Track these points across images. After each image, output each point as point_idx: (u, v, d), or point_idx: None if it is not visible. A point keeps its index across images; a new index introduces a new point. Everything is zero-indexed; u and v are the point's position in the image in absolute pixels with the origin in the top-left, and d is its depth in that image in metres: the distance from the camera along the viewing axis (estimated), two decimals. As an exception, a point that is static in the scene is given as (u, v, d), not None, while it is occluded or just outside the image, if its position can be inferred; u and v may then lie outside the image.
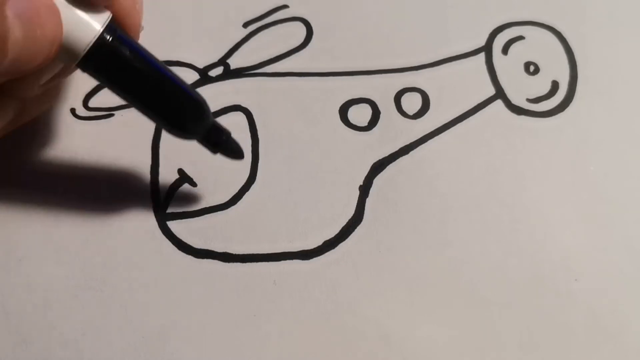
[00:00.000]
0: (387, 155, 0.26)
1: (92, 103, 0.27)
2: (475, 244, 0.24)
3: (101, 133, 0.26)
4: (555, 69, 0.28)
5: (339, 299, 0.24)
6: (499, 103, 0.27)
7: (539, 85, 0.27)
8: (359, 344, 0.23)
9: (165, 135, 0.26)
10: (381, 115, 0.27)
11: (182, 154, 0.26)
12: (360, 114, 0.27)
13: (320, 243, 0.25)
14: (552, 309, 0.24)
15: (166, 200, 0.25)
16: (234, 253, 0.24)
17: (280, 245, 0.25)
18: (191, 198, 0.25)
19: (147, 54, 0.21)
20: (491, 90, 0.27)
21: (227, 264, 0.24)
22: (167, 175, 0.26)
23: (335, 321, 0.23)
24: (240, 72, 0.28)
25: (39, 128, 0.26)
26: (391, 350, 0.23)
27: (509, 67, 0.28)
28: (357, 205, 0.25)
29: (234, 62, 0.28)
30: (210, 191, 0.25)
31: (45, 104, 0.25)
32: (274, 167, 0.26)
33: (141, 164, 0.26)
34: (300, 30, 0.28)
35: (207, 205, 0.25)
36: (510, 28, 0.28)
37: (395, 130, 0.26)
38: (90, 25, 0.19)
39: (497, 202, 0.25)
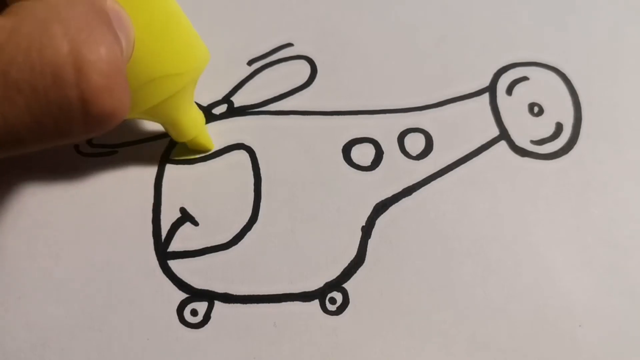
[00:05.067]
0: (390, 196, 0.26)
1: (96, 140, 0.27)
2: (477, 288, 0.24)
3: (104, 170, 0.26)
4: (560, 110, 0.28)
5: (340, 342, 0.23)
6: (502, 144, 0.27)
7: (543, 126, 0.27)
8: (359, 390, 0.23)
9: (168, 173, 0.26)
10: (384, 155, 0.27)
11: (184, 193, 0.26)
12: (363, 154, 0.27)
13: (321, 285, 0.24)
14: (555, 355, 0.23)
15: (167, 238, 0.25)
16: (234, 294, 0.24)
17: (281, 286, 0.24)
18: (192, 237, 0.25)
19: None
20: (495, 131, 0.27)
21: (227, 304, 0.24)
22: (169, 214, 0.26)
23: (335, 366, 0.23)
24: (244, 110, 0.28)
25: (41, 164, 0.26)
26: (392, 397, 0.23)
27: (513, 108, 0.28)
28: (359, 247, 0.25)
29: (238, 100, 0.28)
30: (212, 230, 0.25)
31: None
32: (276, 207, 0.26)
33: (143, 202, 0.26)
34: (304, 69, 0.29)
35: (209, 245, 0.25)
36: (515, 68, 0.28)
37: (398, 171, 0.26)
38: None
39: (500, 246, 0.25)
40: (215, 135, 0.27)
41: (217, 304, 0.24)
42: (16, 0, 0.16)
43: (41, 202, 0.26)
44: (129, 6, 0.18)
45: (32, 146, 0.16)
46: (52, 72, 0.14)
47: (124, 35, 0.17)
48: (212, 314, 0.24)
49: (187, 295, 0.24)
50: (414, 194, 0.26)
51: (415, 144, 0.27)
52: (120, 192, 0.26)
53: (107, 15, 0.16)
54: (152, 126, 0.27)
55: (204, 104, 0.28)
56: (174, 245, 0.25)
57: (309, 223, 0.25)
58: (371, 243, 0.25)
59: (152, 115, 0.24)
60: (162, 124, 0.26)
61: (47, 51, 0.14)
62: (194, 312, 0.24)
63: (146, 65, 0.21)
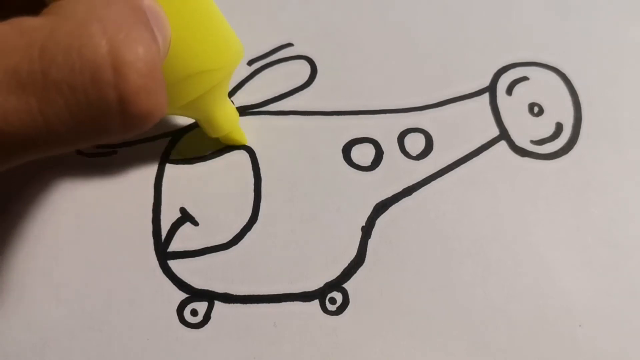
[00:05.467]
0: (390, 196, 0.26)
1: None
2: (477, 288, 0.24)
3: (104, 170, 0.26)
4: (560, 110, 0.28)
5: (340, 342, 0.23)
6: (502, 144, 0.27)
7: (543, 126, 0.27)
8: (359, 390, 0.23)
9: (168, 173, 0.26)
10: (384, 156, 0.27)
11: (184, 193, 0.26)
12: (363, 154, 0.27)
13: (321, 284, 0.24)
14: (555, 355, 0.23)
15: (167, 238, 0.25)
16: (234, 294, 0.24)
17: (281, 286, 0.24)
18: (192, 237, 0.25)
19: None
20: (495, 131, 0.27)
21: (227, 304, 0.24)
22: (169, 214, 0.26)
23: (335, 366, 0.23)
24: (244, 110, 0.28)
25: (41, 164, 0.26)
26: (392, 397, 0.23)
27: (513, 108, 0.28)
28: (359, 247, 0.25)
29: (238, 100, 0.28)
30: (212, 230, 0.25)
31: None
32: (276, 207, 0.26)
33: (143, 202, 0.26)
34: (304, 69, 0.29)
35: (209, 245, 0.25)
36: (515, 68, 0.28)
37: (398, 171, 0.26)
38: None
39: (500, 246, 0.25)
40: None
41: (217, 304, 0.24)
42: (54, 0, 0.16)
43: (41, 202, 0.26)
44: (166, 3, 0.18)
45: (71, 146, 0.16)
46: (91, 72, 0.14)
47: (161, 33, 0.17)
48: (212, 314, 0.24)
49: (187, 295, 0.24)
50: (414, 194, 0.26)
51: (415, 144, 0.27)
52: (120, 192, 0.26)
53: (144, 13, 0.16)
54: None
55: (204, 104, 0.28)
56: (174, 245, 0.25)
57: (309, 223, 0.25)
58: (371, 243, 0.25)
59: (187, 111, 0.24)
60: (197, 120, 0.26)
61: (86, 51, 0.14)
62: (194, 312, 0.24)
63: (182, 62, 0.21)
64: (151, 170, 0.26)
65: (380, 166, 0.26)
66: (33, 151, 0.15)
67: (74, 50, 0.14)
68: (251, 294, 0.24)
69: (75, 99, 0.15)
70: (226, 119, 0.25)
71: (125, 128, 0.16)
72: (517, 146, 0.27)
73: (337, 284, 0.24)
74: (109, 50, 0.15)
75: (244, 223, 0.25)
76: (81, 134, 0.15)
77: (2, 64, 0.14)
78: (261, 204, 0.26)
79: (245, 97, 0.28)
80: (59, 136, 0.15)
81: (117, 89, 0.15)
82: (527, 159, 0.27)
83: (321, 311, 0.24)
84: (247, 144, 0.27)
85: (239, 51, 0.24)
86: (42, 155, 0.16)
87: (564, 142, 0.27)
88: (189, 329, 0.24)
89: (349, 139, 0.27)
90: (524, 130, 0.27)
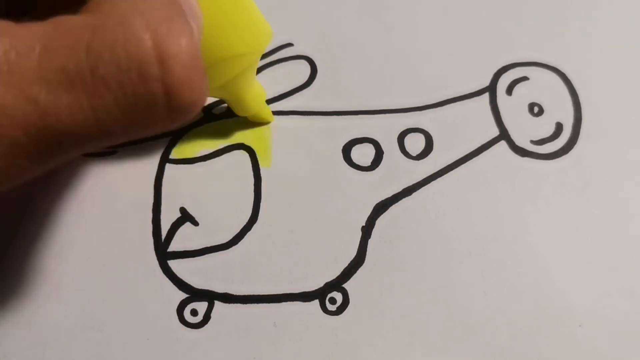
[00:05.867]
0: (390, 196, 0.26)
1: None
2: (477, 288, 0.24)
3: (104, 170, 0.26)
4: (560, 110, 0.28)
5: (340, 342, 0.23)
6: (502, 144, 0.27)
7: (543, 126, 0.27)
8: (359, 390, 0.23)
9: (168, 173, 0.26)
10: (384, 156, 0.27)
11: (184, 193, 0.26)
12: (363, 154, 0.27)
13: (321, 284, 0.24)
14: (555, 355, 0.23)
15: (167, 239, 0.25)
16: (234, 294, 0.24)
17: (281, 286, 0.24)
18: (192, 237, 0.25)
19: None
20: (495, 131, 0.27)
21: (227, 304, 0.24)
22: (169, 214, 0.26)
23: (335, 366, 0.23)
24: (244, 110, 0.28)
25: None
26: (392, 397, 0.23)
27: (513, 108, 0.28)
28: (359, 247, 0.25)
29: (238, 100, 0.28)
30: (212, 230, 0.25)
31: None
32: (276, 207, 0.26)
33: (143, 202, 0.26)
34: (304, 69, 0.29)
35: (209, 245, 0.25)
36: (515, 68, 0.28)
37: (398, 171, 0.26)
38: None
39: (500, 246, 0.25)
40: (215, 135, 0.27)
41: (217, 304, 0.24)
42: None
43: (41, 202, 0.26)
44: None
45: (120, 139, 0.16)
46: (137, 67, 0.15)
47: (194, 22, 0.17)
48: (212, 314, 0.24)
49: (187, 295, 0.24)
50: (414, 194, 0.26)
51: (415, 144, 0.27)
52: (120, 192, 0.26)
53: (179, 3, 0.17)
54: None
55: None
56: (174, 245, 0.25)
57: (309, 223, 0.25)
58: (371, 243, 0.25)
59: (217, 93, 0.25)
60: (226, 100, 0.26)
61: (131, 46, 0.15)
62: (194, 312, 0.24)
63: (213, 47, 0.21)
64: (151, 170, 0.26)
65: (380, 166, 0.26)
66: (84, 145, 0.16)
67: (119, 46, 0.15)
68: (251, 294, 0.24)
69: (123, 94, 0.15)
70: (255, 98, 0.26)
71: (171, 119, 0.16)
72: (517, 146, 0.27)
73: (337, 284, 0.24)
74: (153, 45, 0.15)
75: (244, 223, 0.25)
76: (129, 127, 0.16)
77: (52, 64, 0.14)
78: (261, 204, 0.26)
79: (245, 97, 0.28)
80: (109, 130, 0.15)
81: (162, 82, 0.15)
82: (527, 159, 0.27)
83: (321, 311, 0.24)
84: (273, 121, 0.27)
85: (268, 33, 0.24)
86: (92, 149, 0.16)
87: (564, 142, 0.27)
88: (189, 329, 0.24)
89: (349, 139, 0.27)
90: (524, 130, 0.27)
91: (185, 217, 0.25)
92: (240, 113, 0.26)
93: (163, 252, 0.25)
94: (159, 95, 0.15)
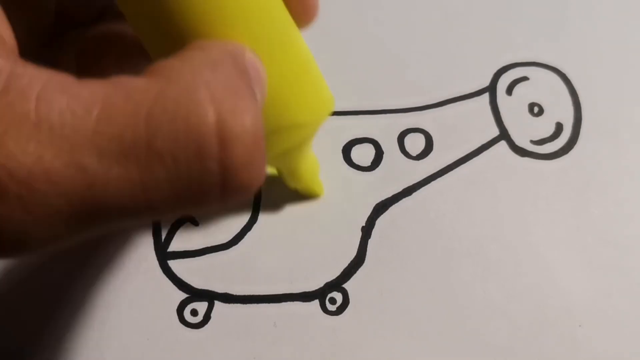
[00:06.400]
0: (390, 196, 0.26)
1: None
2: (477, 288, 0.24)
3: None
4: (560, 110, 0.28)
5: (340, 342, 0.23)
6: (502, 144, 0.27)
7: (543, 126, 0.27)
8: (359, 390, 0.23)
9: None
10: (384, 156, 0.27)
11: (184, 193, 0.26)
12: (363, 154, 0.27)
13: (321, 284, 0.24)
14: (555, 355, 0.23)
15: (167, 238, 0.25)
16: (234, 294, 0.24)
17: (281, 286, 0.24)
18: (192, 237, 0.25)
19: None
20: (495, 131, 0.27)
21: (227, 304, 0.24)
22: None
23: (335, 366, 0.23)
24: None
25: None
26: (392, 397, 0.23)
27: (513, 108, 0.28)
28: (359, 247, 0.25)
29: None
30: (212, 230, 0.25)
31: None
32: (276, 207, 0.26)
33: (143, 202, 0.26)
34: (304, 69, 0.29)
35: (209, 245, 0.25)
36: (515, 68, 0.28)
37: (398, 171, 0.26)
38: None
39: (500, 246, 0.25)
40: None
41: (217, 304, 0.24)
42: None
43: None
44: (264, 51, 0.17)
45: (166, 215, 0.15)
46: (196, 144, 0.13)
47: (259, 90, 0.16)
48: (212, 314, 0.24)
49: (187, 295, 0.24)
50: (414, 194, 0.26)
51: (415, 144, 0.27)
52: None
53: (248, 73, 0.15)
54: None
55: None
56: (174, 245, 0.25)
57: (309, 223, 0.25)
58: (371, 243, 0.25)
59: (269, 162, 0.23)
60: (276, 169, 0.25)
61: (193, 120, 0.13)
62: (194, 312, 0.24)
63: (273, 114, 0.19)
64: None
65: (380, 166, 0.26)
66: (127, 220, 0.14)
67: (180, 118, 0.13)
68: (251, 294, 0.24)
69: (176, 171, 0.14)
70: (307, 172, 0.24)
71: (224, 200, 0.15)
72: (517, 146, 0.27)
73: (337, 284, 0.24)
74: (216, 121, 0.14)
75: (244, 223, 0.25)
76: (178, 205, 0.14)
77: (108, 131, 0.13)
78: (261, 204, 0.26)
79: (245, 97, 0.28)
80: (156, 206, 0.14)
81: (220, 163, 0.14)
82: (527, 159, 0.27)
83: (321, 311, 0.24)
84: (323, 195, 0.26)
85: (330, 103, 0.22)
86: (133, 224, 0.15)
87: (564, 142, 0.27)
88: (189, 329, 0.24)
89: (349, 139, 0.27)
90: (524, 130, 0.27)
91: (185, 217, 0.25)
92: (289, 184, 0.25)
93: (163, 252, 0.25)
94: (214, 175, 0.14)
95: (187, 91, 0.14)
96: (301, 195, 0.26)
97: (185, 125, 0.13)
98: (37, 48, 0.20)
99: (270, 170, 0.25)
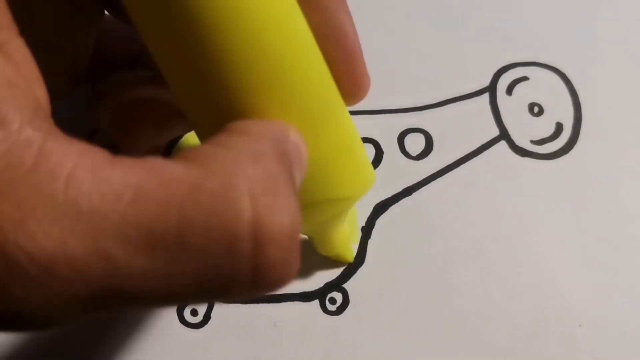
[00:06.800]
0: (390, 196, 0.26)
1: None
2: (477, 288, 0.24)
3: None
4: (560, 110, 0.28)
5: (340, 342, 0.23)
6: (502, 144, 0.27)
7: (543, 126, 0.27)
8: (359, 390, 0.23)
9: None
10: (384, 156, 0.27)
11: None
12: (363, 154, 0.27)
13: (321, 284, 0.24)
14: (555, 355, 0.23)
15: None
16: (234, 294, 0.24)
17: (281, 286, 0.24)
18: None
19: None
20: (495, 131, 0.27)
21: (227, 304, 0.24)
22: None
23: (335, 366, 0.23)
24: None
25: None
26: (392, 397, 0.23)
27: (513, 108, 0.28)
28: (359, 247, 0.25)
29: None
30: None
31: None
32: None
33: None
34: (304, 69, 0.29)
35: (209, 245, 0.25)
36: (515, 68, 0.28)
37: (398, 171, 0.26)
38: None
39: (500, 246, 0.25)
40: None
41: (217, 304, 0.24)
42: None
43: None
44: (309, 128, 0.16)
45: (190, 304, 0.15)
46: (229, 242, 0.13)
47: (299, 172, 0.15)
48: (212, 314, 0.24)
49: (187, 295, 0.24)
50: (414, 194, 0.26)
51: (415, 144, 0.27)
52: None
53: (290, 159, 0.15)
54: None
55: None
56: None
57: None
58: (371, 243, 0.25)
59: (303, 231, 0.23)
60: (309, 236, 0.24)
61: (228, 217, 0.13)
62: (194, 312, 0.24)
63: (312, 187, 0.18)
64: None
65: (380, 166, 0.26)
66: (147, 307, 0.14)
67: (215, 214, 0.13)
68: (251, 294, 0.24)
69: (204, 267, 0.13)
70: (340, 241, 0.24)
71: (251, 295, 0.14)
72: (517, 146, 0.27)
73: (337, 284, 0.24)
74: (252, 220, 0.13)
75: (244, 223, 0.25)
76: (202, 298, 0.14)
77: (137, 220, 0.12)
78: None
79: (245, 97, 0.28)
80: (179, 297, 0.14)
81: (252, 262, 0.13)
82: (527, 159, 0.27)
83: (321, 311, 0.24)
84: (352, 261, 0.25)
85: (371, 179, 0.21)
86: (153, 309, 0.15)
87: (564, 142, 0.27)
88: (189, 329, 0.24)
89: (349, 139, 0.27)
90: (524, 130, 0.27)
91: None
92: (321, 251, 0.24)
93: (163, 252, 0.25)
94: (244, 274, 0.13)
95: (226, 186, 0.13)
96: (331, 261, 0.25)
97: (219, 221, 0.13)
98: (71, 88, 0.19)
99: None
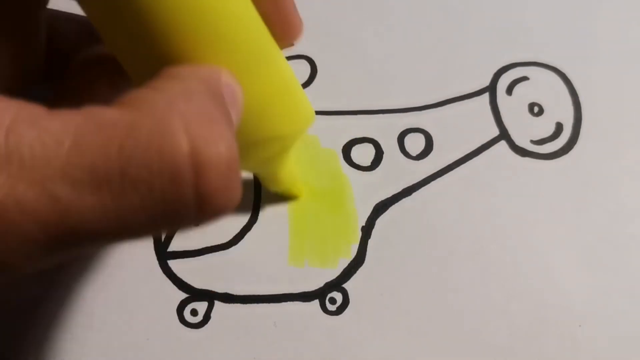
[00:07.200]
0: (390, 196, 0.26)
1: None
2: (477, 288, 0.24)
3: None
4: (560, 110, 0.28)
5: (340, 342, 0.23)
6: (502, 144, 0.27)
7: (543, 126, 0.27)
8: (359, 390, 0.23)
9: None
10: (384, 156, 0.27)
11: (184, 193, 0.26)
12: (363, 154, 0.27)
13: (321, 284, 0.24)
14: (555, 355, 0.23)
15: (167, 238, 0.25)
16: (234, 294, 0.24)
17: (281, 286, 0.24)
18: (192, 237, 0.25)
19: None
20: (495, 131, 0.27)
21: (227, 304, 0.24)
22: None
23: (335, 366, 0.23)
24: (244, 110, 0.28)
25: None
26: (392, 397, 0.23)
27: (513, 108, 0.28)
28: (359, 247, 0.25)
29: (238, 100, 0.28)
30: (212, 231, 0.25)
31: None
32: (276, 207, 0.26)
33: (143, 202, 0.26)
34: (304, 68, 0.29)
35: (208, 245, 0.25)
36: (515, 68, 0.28)
37: (398, 171, 0.26)
38: None
39: (500, 246, 0.25)
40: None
41: (217, 304, 0.24)
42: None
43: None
44: (242, 71, 0.17)
45: (141, 238, 0.15)
46: (171, 173, 0.14)
47: (235, 111, 0.16)
48: (212, 314, 0.24)
49: (187, 295, 0.24)
50: (414, 194, 0.26)
51: (415, 144, 0.27)
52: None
53: (222, 97, 0.16)
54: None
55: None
56: (174, 245, 0.25)
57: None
58: (371, 243, 0.25)
59: (247, 170, 0.24)
60: (256, 174, 0.25)
61: (166, 150, 0.14)
62: (194, 312, 0.24)
63: (250, 127, 0.19)
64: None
65: (380, 166, 0.26)
66: (102, 244, 0.15)
67: (154, 149, 0.14)
68: (251, 294, 0.24)
69: (151, 198, 0.14)
70: (287, 177, 0.24)
71: (199, 222, 0.15)
72: (517, 146, 0.27)
73: (337, 284, 0.24)
74: (190, 151, 0.14)
75: (244, 223, 0.25)
76: (153, 229, 0.15)
77: (80, 162, 0.13)
78: (261, 204, 0.26)
79: (245, 97, 0.28)
80: (131, 231, 0.14)
81: (195, 189, 0.14)
82: (527, 159, 0.27)
83: (321, 311, 0.24)
84: (301, 196, 0.26)
85: (310, 116, 0.22)
86: (110, 246, 0.15)
87: (564, 142, 0.27)
88: (189, 329, 0.24)
89: (349, 139, 0.27)
90: (524, 130, 0.27)
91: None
92: (269, 188, 0.25)
93: (163, 252, 0.25)
94: (189, 201, 0.14)
95: (161, 123, 0.14)
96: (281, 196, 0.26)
97: (158, 155, 0.14)
98: (31, 84, 0.20)
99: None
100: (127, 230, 0.14)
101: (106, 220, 0.14)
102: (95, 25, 0.16)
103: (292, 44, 0.20)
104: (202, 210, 0.14)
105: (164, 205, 0.14)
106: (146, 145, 0.14)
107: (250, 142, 0.20)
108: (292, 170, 0.24)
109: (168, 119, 0.14)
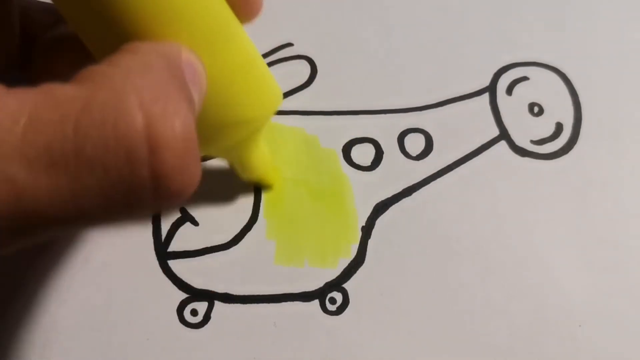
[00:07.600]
0: (390, 196, 0.26)
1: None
2: (477, 288, 0.24)
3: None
4: (560, 110, 0.28)
5: (340, 342, 0.23)
6: (502, 144, 0.27)
7: (543, 126, 0.27)
8: (359, 390, 0.23)
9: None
10: (384, 156, 0.27)
11: (184, 193, 0.26)
12: (363, 154, 0.27)
13: (321, 284, 0.24)
14: (555, 355, 0.23)
15: (167, 238, 0.25)
16: (234, 294, 0.24)
17: (281, 286, 0.24)
18: (192, 237, 0.25)
19: None
20: (495, 131, 0.27)
21: (227, 304, 0.24)
22: (169, 214, 0.26)
23: (335, 366, 0.23)
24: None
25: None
26: (392, 397, 0.23)
27: (513, 108, 0.28)
28: (359, 247, 0.25)
29: (238, 100, 0.28)
30: (212, 231, 0.25)
31: None
32: (276, 207, 0.26)
33: (143, 202, 0.26)
34: (304, 69, 0.29)
35: (209, 245, 0.25)
36: (515, 68, 0.28)
37: (398, 171, 0.26)
38: None
39: (500, 246, 0.25)
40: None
41: (217, 304, 0.24)
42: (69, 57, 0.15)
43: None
44: (204, 49, 0.17)
45: (99, 224, 0.15)
46: (126, 151, 0.13)
47: (196, 89, 0.16)
48: (212, 314, 0.24)
49: (187, 295, 0.24)
50: (414, 194, 0.26)
51: (415, 144, 0.27)
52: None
53: (182, 74, 0.15)
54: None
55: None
56: (174, 245, 0.25)
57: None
58: (371, 243, 0.25)
59: (219, 155, 0.24)
60: (228, 162, 0.25)
61: (121, 126, 0.13)
62: (194, 312, 0.24)
63: (218, 110, 0.19)
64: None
65: (380, 166, 0.26)
66: (61, 229, 0.14)
67: (109, 125, 0.13)
68: (251, 294, 0.24)
69: (107, 179, 0.13)
70: (259, 163, 0.24)
71: (157, 206, 0.15)
72: (517, 146, 0.27)
73: (337, 284, 0.24)
74: (144, 126, 0.13)
75: (244, 223, 0.25)
76: (111, 213, 0.14)
77: (35, 141, 0.13)
78: (261, 204, 0.26)
79: (245, 97, 0.28)
80: (89, 215, 0.14)
81: (151, 168, 0.14)
82: (527, 159, 0.27)
83: (321, 311, 0.24)
84: (274, 185, 0.26)
85: (277, 97, 0.22)
86: (71, 232, 0.15)
87: (564, 142, 0.27)
88: (189, 329, 0.24)
89: (349, 139, 0.27)
90: (524, 130, 0.27)
91: (185, 217, 0.25)
92: (242, 176, 0.25)
93: (163, 252, 0.25)
94: (145, 181, 0.14)
95: (116, 97, 0.13)
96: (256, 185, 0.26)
97: (113, 132, 0.13)
98: (6, 71, 0.20)
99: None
100: (83, 215, 0.14)
101: (62, 203, 0.13)
102: (56, 3, 0.16)
103: (251, 21, 0.20)
104: (159, 193, 0.14)
105: (119, 185, 0.14)
106: (101, 121, 0.13)
107: (216, 125, 0.19)
108: (263, 156, 0.24)
109: (123, 93, 0.14)
